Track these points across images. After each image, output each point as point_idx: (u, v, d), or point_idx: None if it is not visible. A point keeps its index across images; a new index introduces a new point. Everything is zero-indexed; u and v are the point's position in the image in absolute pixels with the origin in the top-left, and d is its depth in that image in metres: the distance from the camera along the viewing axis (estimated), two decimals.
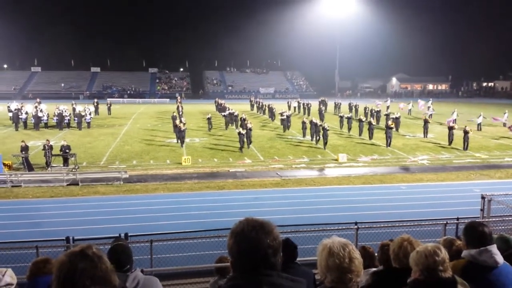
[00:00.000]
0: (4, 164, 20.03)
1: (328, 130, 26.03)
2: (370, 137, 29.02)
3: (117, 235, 8.77)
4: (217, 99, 51.49)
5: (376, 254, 5.12)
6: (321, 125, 26.94)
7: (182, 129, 25.69)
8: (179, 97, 50.09)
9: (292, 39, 74.04)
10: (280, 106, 42.61)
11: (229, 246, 2.00)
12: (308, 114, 42.53)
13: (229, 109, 37.65)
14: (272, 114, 40.92)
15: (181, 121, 27.84)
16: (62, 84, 71.88)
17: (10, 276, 3.95)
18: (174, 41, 79.50)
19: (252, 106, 51.26)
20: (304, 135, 30.04)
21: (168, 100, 64.02)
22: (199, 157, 23.64)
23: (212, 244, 10.32)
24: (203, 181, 19.13)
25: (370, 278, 3.51)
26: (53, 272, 1.81)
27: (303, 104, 47.07)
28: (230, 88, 77.34)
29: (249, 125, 25.57)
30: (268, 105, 44.21)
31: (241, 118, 31.30)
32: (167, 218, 14.09)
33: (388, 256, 3.64)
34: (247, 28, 75.61)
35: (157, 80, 78.04)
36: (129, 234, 9.23)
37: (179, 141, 26.40)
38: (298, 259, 4.51)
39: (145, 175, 19.96)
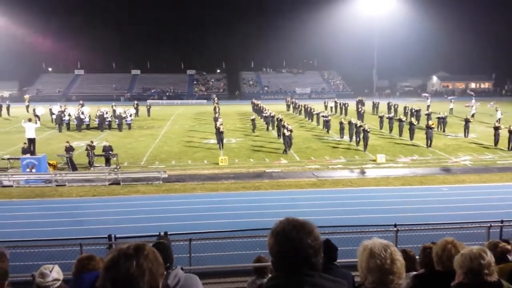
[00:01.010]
0: (49, 164, 20.88)
1: (369, 132, 25.29)
2: (411, 138, 28.18)
3: (157, 233, 8.99)
4: (253, 100, 51.70)
5: (417, 257, 5.01)
6: (361, 126, 26.31)
7: (221, 131, 25.82)
8: (215, 98, 50.64)
9: (328, 38, 73.32)
10: (316, 106, 42.27)
11: (270, 246, 2.02)
12: (346, 114, 42.01)
13: (264, 110, 37.73)
14: (309, 115, 40.66)
15: (219, 123, 28.05)
16: (114, 85, 74.32)
17: (57, 272, 4.12)
18: (212, 43, 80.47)
19: (288, 106, 51.13)
20: (342, 136, 29.66)
21: (205, 101, 64.85)
22: (236, 158, 23.82)
23: (249, 244, 10.38)
24: (240, 181, 19.26)
25: (411, 281, 3.44)
26: (103, 268, 1.86)
27: (340, 104, 46.51)
28: (266, 88, 77.44)
29: (286, 132, 24.91)
30: (304, 106, 43.99)
31: (277, 119, 31.30)
32: (205, 217, 14.28)
33: (430, 259, 3.55)
34: (283, 28, 75.55)
35: (195, 82, 79.21)
36: (169, 233, 9.42)
37: (220, 143, 26.26)
38: (336, 261, 4.48)
39: (183, 175, 20.31)
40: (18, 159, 20.70)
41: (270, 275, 2.08)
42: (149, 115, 44.06)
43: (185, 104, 61.90)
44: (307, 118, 41.04)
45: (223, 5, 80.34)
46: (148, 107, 45.67)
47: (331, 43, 74.55)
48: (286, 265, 1.97)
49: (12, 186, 18.63)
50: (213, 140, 28.40)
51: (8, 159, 21.57)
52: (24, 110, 46.45)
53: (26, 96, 58.17)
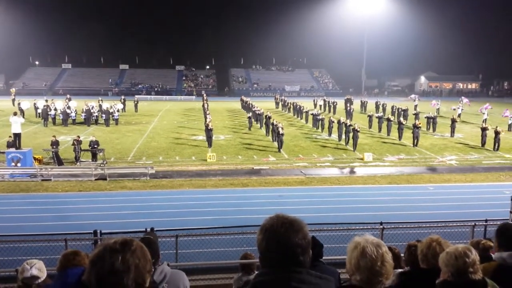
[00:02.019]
0: (34, 158, 20.61)
1: (359, 131, 25.33)
2: (400, 137, 28.32)
3: (144, 229, 8.93)
4: (242, 96, 51.65)
5: (402, 255, 5.05)
6: (351, 125, 26.36)
7: (210, 128, 25.66)
8: (205, 95, 50.46)
9: (318, 36, 73.45)
10: (305, 104, 42.36)
11: (258, 242, 2.02)
12: (334, 113, 42.20)
13: (254, 107, 37.71)
14: (298, 112, 40.74)
15: (208, 120, 27.91)
16: (110, 80, 73.62)
17: (38, 269, 4.06)
18: (201, 39, 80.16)
19: (277, 104, 51.19)
20: (330, 134, 29.76)
21: (194, 97, 64.59)
22: (224, 154, 23.78)
23: (236, 240, 10.38)
24: (228, 178, 19.24)
25: (396, 279, 3.46)
26: (89, 262, 1.83)
27: (329, 102, 46.70)
28: (255, 85, 77.38)
29: (281, 131, 24.83)
30: (293, 103, 44.07)
31: (266, 116, 31.31)
32: (192, 214, 14.25)
33: (415, 257, 3.58)
34: (273, 25, 75.47)
35: (184, 78, 78.79)
36: (155, 229, 9.37)
37: (208, 139, 26.03)
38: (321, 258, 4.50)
39: (171, 171, 20.22)
40: (3, 153, 20.38)
41: (257, 272, 2.07)
42: (136, 111, 43.73)
43: (173, 100, 61.57)
44: (296, 116, 41.13)
45: (214, 1, 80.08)
46: (136, 102, 45.30)
47: (321, 41, 74.74)
48: (273, 262, 1.97)
49: None
50: (202, 137, 28.32)
51: None
52: (10, 104, 45.78)
53: (13, 90, 57.27)
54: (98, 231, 9.31)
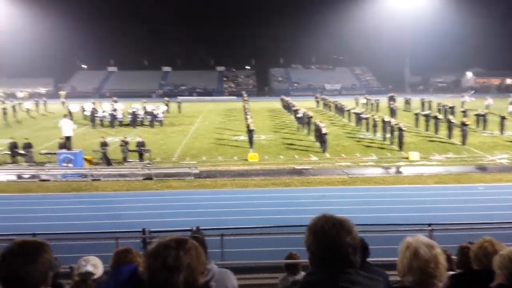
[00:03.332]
0: (85, 159, 21.49)
1: (404, 130, 24.60)
2: (450, 136, 27.21)
3: (190, 228, 9.13)
4: (282, 96, 51.59)
5: (453, 257, 4.92)
6: (396, 124, 25.65)
7: (251, 128, 25.76)
8: (245, 95, 50.78)
9: (359, 33, 71.94)
10: (347, 103, 41.78)
11: (308, 242, 2.03)
12: (377, 111, 41.37)
13: (294, 107, 37.57)
14: (340, 111, 40.25)
15: (249, 120, 28.00)
16: (163, 82, 75.73)
17: (93, 266, 4.21)
18: (241, 40, 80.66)
19: (317, 103, 50.77)
20: (374, 133, 29.18)
21: (235, 97, 65.14)
22: (266, 154, 23.86)
23: (280, 240, 10.41)
24: (270, 177, 19.30)
25: (448, 281, 3.39)
26: (145, 257, 1.92)
27: (372, 100, 45.81)
28: (295, 85, 77.09)
29: (324, 130, 24.45)
30: (335, 102, 43.55)
31: (307, 116, 31.13)
32: (236, 213, 14.40)
33: (468, 259, 3.50)
34: (312, 23, 74.79)
35: (224, 79, 79.67)
36: (200, 228, 9.55)
37: (250, 140, 25.94)
38: (367, 260, 4.45)
39: (214, 171, 20.53)
40: (55, 154, 21.40)
41: (307, 271, 2.09)
42: (179, 112, 44.66)
43: (215, 101, 62.36)
44: (337, 115, 40.64)
45: (253, 1, 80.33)
46: (179, 103, 46.29)
47: (362, 38, 73.21)
48: (323, 262, 1.98)
49: (49, 180, 19.31)
50: (243, 137, 28.54)
51: (46, 154, 22.37)
52: (60, 106, 47.93)
53: (62, 93, 60.04)
54: (147, 230, 9.61)
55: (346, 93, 69.39)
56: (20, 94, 66.38)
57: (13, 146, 22.17)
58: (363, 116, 32.76)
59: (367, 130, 30.86)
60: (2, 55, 67.59)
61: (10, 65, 71.88)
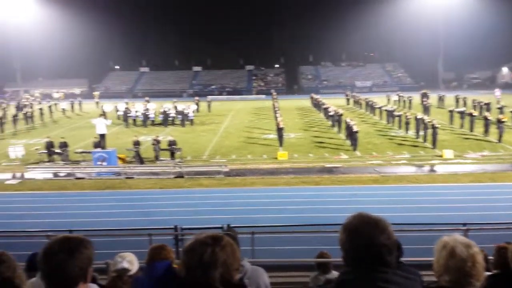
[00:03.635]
0: (118, 158, 22.00)
1: (438, 127, 23.96)
2: (486, 133, 26.32)
3: (220, 225, 9.22)
4: (312, 94, 51.28)
5: (490, 258, 4.79)
6: (430, 121, 24.96)
7: (280, 127, 25.68)
8: (274, 94, 50.75)
9: (390, 28, 70.36)
10: (378, 100, 41.11)
11: (342, 241, 2.02)
12: (410, 108, 40.52)
13: (324, 105, 37.27)
14: (371, 108, 39.66)
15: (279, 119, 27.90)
16: (194, 81, 76.97)
17: (128, 262, 4.29)
18: (270, 38, 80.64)
19: (347, 100, 50.17)
20: (406, 130, 28.60)
21: (264, 96, 65.19)
22: (295, 152, 23.80)
23: (310, 239, 10.39)
24: (299, 176, 19.24)
25: (485, 281, 3.30)
26: (182, 253, 1.96)
27: (404, 97, 44.89)
28: (325, 82, 76.43)
29: (354, 128, 24.10)
30: (365, 99, 42.95)
31: (337, 113, 30.84)
32: (265, 211, 14.43)
33: (505, 260, 3.40)
34: (342, 20, 73.71)
35: (253, 77, 79.86)
36: (231, 225, 9.63)
37: (280, 138, 25.81)
38: (401, 260, 4.38)
39: (243, 169, 20.63)
40: (90, 152, 22.00)
41: (342, 270, 2.08)
42: (209, 111, 45.07)
43: (244, 100, 62.58)
44: (368, 112, 40.06)
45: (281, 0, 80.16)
46: (209, 102, 46.72)
47: (394, 33, 71.65)
48: (357, 261, 1.97)
49: (84, 178, 19.90)
50: (272, 135, 28.55)
51: (81, 152, 23.04)
52: (94, 106, 49.25)
53: (96, 93, 61.65)
54: (179, 227, 9.76)
55: (377, 90, 68.23)
56: (56, 95, 68.66)
57: (49, 145, 22.93)
58: (395, 113, 32.15)
59: (399, 127, 30.27)
60: (40, 57, 70.18)
61: (47, 67, 74.56)
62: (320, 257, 6.32)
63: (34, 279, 3.57)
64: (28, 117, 38.28)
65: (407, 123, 28.49)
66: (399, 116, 31.06)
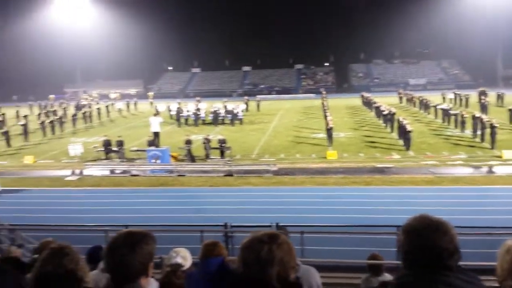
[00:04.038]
0: (171, 156, 22.64)
1: (497, 127, 22.75)
2: None
3: (269, 224, 9.27)
4: (363, 93, 50.26)
5: None
6: (488, 120, 23.77)
7: (329, 126, 25.35)
8: (324, 92, 50.21)
9: (446, 24, 67.51)
10: (433, 98, 39.61)
11: (401, 243, 1.99)
12: (467, 107, 38.77)
13: (376, 103, 36.42)
14: (425, 107, 38.30)
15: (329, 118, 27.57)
16: (245, 81, 78.38)
17: (182, 258, 4.39)
18: (320, 36, 79.70)
19: (400, 99, 48.72)
20: (463, 130, 27.37)
21: (313, 95, 64.67)
22: (345, 152, 23.44)
23: (360, 240, 10.22)
24: (349, 176, 18.94)
25: None
26: (239, 250, 2.00)
27: (460, 95, 42.98)
28: (376, 80, 74.64)
29: (408, 127, 23.40)
30: (419, 98, 41.53)
31: (390, 112, 30.04)
32: (314, 211, 14.32)
33: None
34: (394, 15, 71.61)
35: (303, 76, 79.43)
36: (280, 224, 9.66)
37: (329, 137, 25.46)
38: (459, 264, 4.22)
39: (292, 168, 20.59)
40: (145, 151, 22.79)
41: (400, 273, 2.05)
42: (258, 110, 45.32)
43: (293, 99, 62.39)
44: (422, 111, 38.72)
45: None
46: (258, 102, 46.99)
47: (450, 29, 68.63)
48: (418, 264, 1.93)
49: (139, 175, 20.65)
50: (321, 134, 28.27)
51: (136, 150, 23.92)
52: (148, 106, 50.93)
53: (150, 94, 63.80)
54: (228, 224, 9.92)
55: (432, 88, 65.76)
56: (112, 95, 71.70)
57: (106, 144, 23.98)
58: (451, 112, 30.85)
59: (455, 126, 29.02)
60: (98, 59, 73.68)
61: (104, 69, 78.20)
62: (372, 258, 6.21)
63: (95, 271, 3.76)
64: (87, 117, 40.24)
65: (463, 122, 27.27)
66: (455, 114, 29.78)
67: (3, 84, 73.15)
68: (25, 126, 31.71)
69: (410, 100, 44.99)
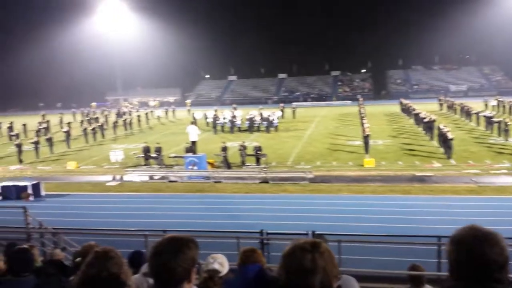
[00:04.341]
0: (208, 162, 22.93)
1: None
2: None
3: (305, 231, 9.22)
4: (401, 99, 49.25)
5: None
6: None
7: (366, 134, 24.96)
8: (361, 99, 49.54)
9: (488, 29, 65.16)
10: (475, 105, 38.32)
11: (449, 253, 1.95)
12: (510, 114, 37.26)
13: (415, 110, 35.59)
14: (466, 114, 37.11)
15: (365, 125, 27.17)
16: (283, 88, 78.53)
17: (219, 264, 4.43)
18: (357, 42, 78.82)
19: (441, 105, 47.40)
20: (506, 138, 26.31)
21: (349, 102, 63.90)
22: (383, 160, 23.02)
23: (399, 250, 9.99)
24: (387, 184, 18.57)
25: None
26: (281, 257, 2.02)
27: (504, 102, 41.35)
28: (415, 87, 72.95)
29: (449, 135, 22.75)
30: (460, 104, 40.28)
31: (430, 120, 29.27)
32: (351, 219, 14.13)
33: None
34: (434, 21, 69.89)
35: (339, 83, 78.70)
36: (316, 232, 9.58)
37: (366, 145, 25.06)
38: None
39: (328, 176, 20.39)
40: (182, 157, 23.19)
41: (448, 285, 2.00)
42: (294, 117, 45.22)
43: (329, 106, 61.87)
44: (463, 118, 37.51)
45: (367, 2, 78.19)
46: (294, 109, 46.90)
47: (492, 34, 66.23)
48: (466, 276, 1.89)
49: (177, 181, 21.02)
50: (358, 142, 27.87)
51: (174, 157, 24.37)
52: (186, 114, 51.85)
53: (188, 101, 64.99)
54: (264, 231, 9.92)
55: (473, 95, 63.60)
56: (152, 103, 73.48)
57: (146, 150, 24.56)
58: (494, 119, 29.74)
59: (499, 134, 27.95)
60: (138, 68, 75.83)
61: (144, 77, 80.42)
62: (413, 269, 6.07)
63: (136, 275, 3.87)
64: (127, 124, 41.37)
65: (507, 130, 26.24)
66: (498, 122, 28.70)
67: (48, 92, 76.58)
68: (68, 132, 32.93)
69: (451, 107, 43.71)
